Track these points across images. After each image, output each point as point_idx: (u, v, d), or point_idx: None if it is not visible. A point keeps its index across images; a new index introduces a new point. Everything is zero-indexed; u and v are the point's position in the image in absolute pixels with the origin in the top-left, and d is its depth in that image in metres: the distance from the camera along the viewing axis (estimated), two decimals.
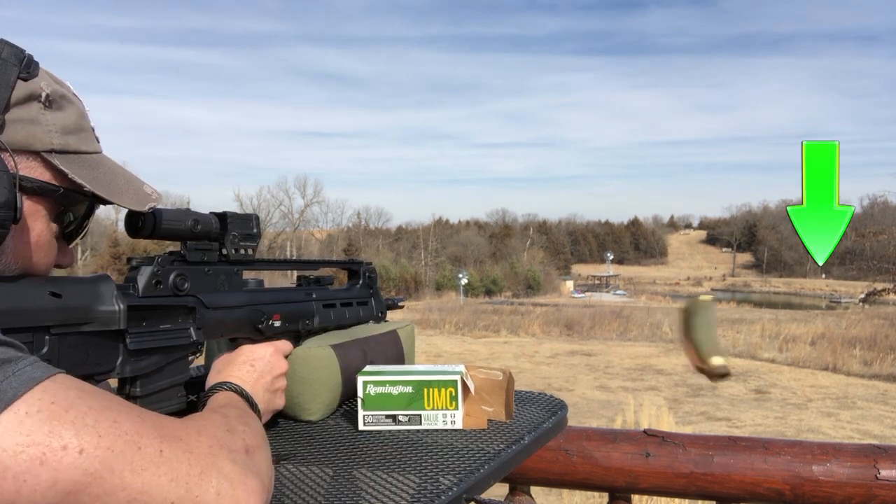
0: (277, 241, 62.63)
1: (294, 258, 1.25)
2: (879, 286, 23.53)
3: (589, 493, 5.04)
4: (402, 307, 1.36)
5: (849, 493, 1.30)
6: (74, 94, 0.72)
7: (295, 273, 1.17)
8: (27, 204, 0.65)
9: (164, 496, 0.52)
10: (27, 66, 0.64)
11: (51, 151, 0.67)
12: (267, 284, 1.04)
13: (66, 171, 0.67)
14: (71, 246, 0.76)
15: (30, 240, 0.67)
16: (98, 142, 0.74)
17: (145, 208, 0.74)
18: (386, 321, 1.29)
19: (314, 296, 1.10)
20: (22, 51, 0.65)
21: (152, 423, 0.55)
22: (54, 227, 0.70)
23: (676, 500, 2.28)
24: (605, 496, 1.52)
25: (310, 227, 70.02)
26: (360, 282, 1.24)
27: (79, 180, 0.67)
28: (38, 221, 0.68)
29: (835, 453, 1.33)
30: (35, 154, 0.66)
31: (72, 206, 0.71)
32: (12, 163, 0.62)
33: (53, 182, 0.68)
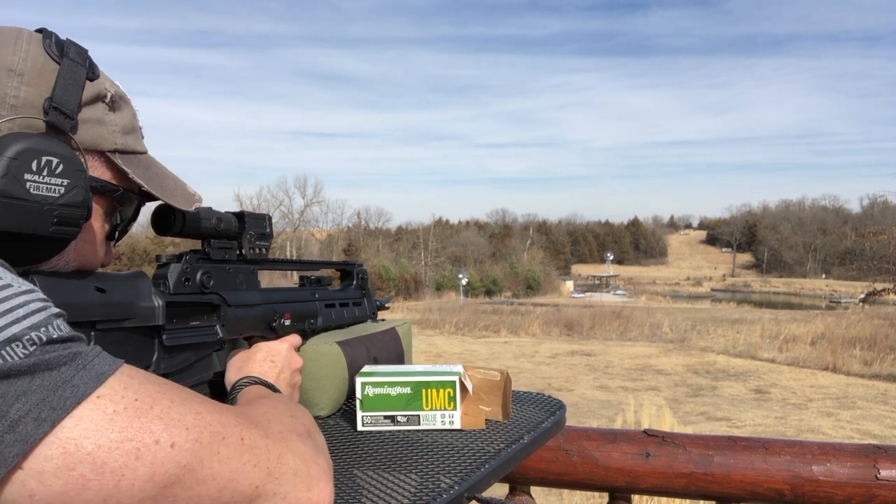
0: (277, 241, 62.50)
1: (294, 259, 1.26)
2: (879, 286, 23.52)
3: (589, 493, 5.03)
4: (388, 308, 1.39)
5: (849, 493, 1.29)
6: (126, 94, 0.72)
7: (295, 274, 1.18)
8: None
9: (249, 482, 0.54)
10: (91, 67, 0.65)
11: (114, 151, 0.67)
12: (266, 284, 1.05)
13: (128, 171, 0.68)
14: (113, 245, 0.76)
15: (88, 238, 0.68)
16: (143, 140, 0.75)
17: (192, 208, 0.75)
18: (383, 320, 1.32)
19: (317, 296, 1.12)
20: (85, 51, 0.65)
21: (229, 412, 0.56)
22: (106, 226, 0.71)
23: (676, 500, 2.28)
24: (605, 496, 1.52)
25: (310, 227, 69.87)
26: (354, 282, 1.26)
27: (137, 180, 0.68)
28: (96, 221, 0.69)
29: (835, 453, 1.33)
30: (100, 154, 0.67)
31: (125, 205, 0.72)
32: (84, 163, 0.62)
33: (113, 182, 0.69)
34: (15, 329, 0.45)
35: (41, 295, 0.49)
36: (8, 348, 0.44)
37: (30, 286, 0.49)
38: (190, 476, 0.50)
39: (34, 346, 0.45)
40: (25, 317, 0.46)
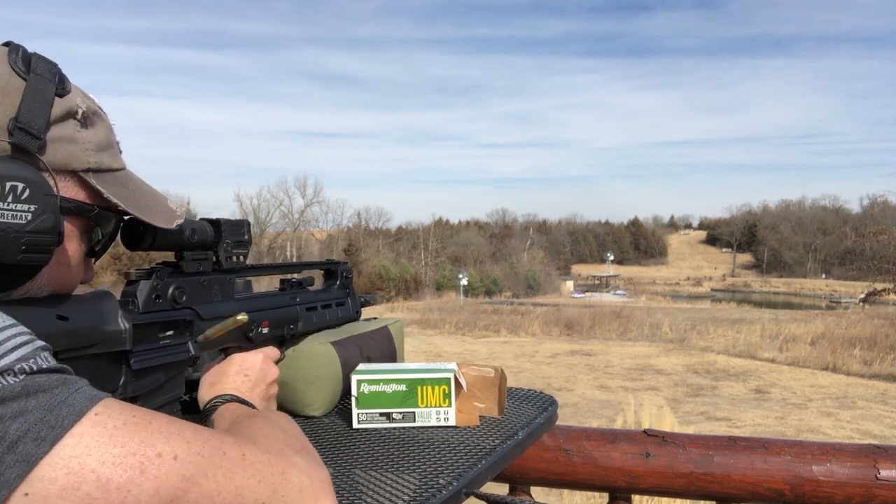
0: (277, 242, 62.58)
1: (273, 263, 1.23)
2: (879, 286, 23.54)
3: (589, 493, 5.03)
4: (373, 304, 1.35)
5: (849, 493, 1.28)
6: (100, 108, 0.69)
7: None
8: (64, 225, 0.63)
9: (255, 497, 0.53)
10: (61, 82, 0.62)
11: (87, 171, 0.65)
12: (267, 286, 1.03)
13: (102, 190, 0.65)
14: (94, 262, 0.74)
15: (63, 261, 0.65)
16: (121, 154, 0.72)
17: (173, 225, 0.72)
18: (374, 318, 1.31)
19: (298, 299, 1.08)
20: (55, 65, 0.62)
21: (224, 431, 0.57)
22: (84, 246, 0.69)
23: (677, 500, 2.27)
24: (605, 496, 1.51)
25: (310, 227, 69.83)
26: (338, 282, 1.23)
27: (114, 199, 0.66)
28: (71, 242, 0.66)
29: (835, 453, 1.32)
30: (72, 174, 0.64)
31: (102, 224, 0.69)
32: (54, 185, 0.60)
33: (88, 201, 0.66)
34: (4, 361, 0.45)
35: (25, 328, 0.49)
36: None
37: (13, 321, 0.49)
38: (195, 489, 0.49)
39: (24, 375, 0.45)
40: (13, 349, 0.46)
